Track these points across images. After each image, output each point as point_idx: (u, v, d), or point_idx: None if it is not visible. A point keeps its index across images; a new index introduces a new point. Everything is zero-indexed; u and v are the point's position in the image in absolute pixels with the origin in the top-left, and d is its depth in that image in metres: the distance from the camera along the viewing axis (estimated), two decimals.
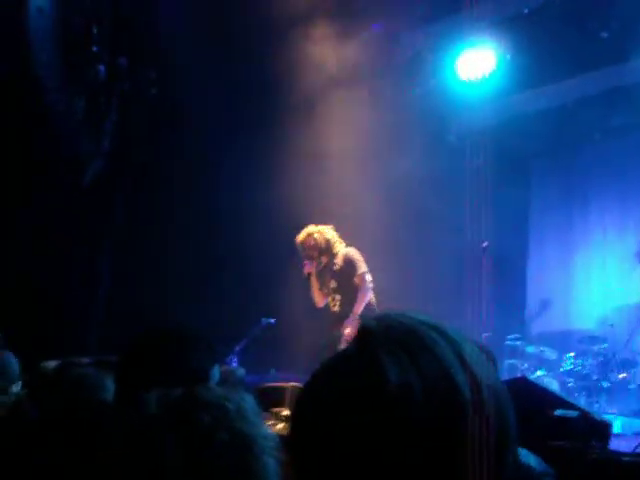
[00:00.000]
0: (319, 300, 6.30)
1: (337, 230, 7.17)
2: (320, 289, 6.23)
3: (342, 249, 6.10)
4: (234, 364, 7.35)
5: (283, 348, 6.70)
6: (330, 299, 6.15)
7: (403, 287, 8.25)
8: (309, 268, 6.17)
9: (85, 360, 2.49)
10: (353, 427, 0.72)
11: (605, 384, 8.06)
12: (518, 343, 8.81)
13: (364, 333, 0.80)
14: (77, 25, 8.49)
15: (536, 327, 10.25)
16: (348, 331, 5.77)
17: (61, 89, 8.22)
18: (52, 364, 3.69)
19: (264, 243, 8.19)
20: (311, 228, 6.16)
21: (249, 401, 1.07)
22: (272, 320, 7.57)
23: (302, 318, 7.41)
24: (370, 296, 5.87)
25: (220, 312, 8.11)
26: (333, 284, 6.06)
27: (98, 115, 8.71)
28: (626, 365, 8.14)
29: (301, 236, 6.15)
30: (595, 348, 8.40)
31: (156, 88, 8.89)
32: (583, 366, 8.34)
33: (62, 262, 8.41)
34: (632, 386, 8.01)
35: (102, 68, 8.63)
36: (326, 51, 8.70)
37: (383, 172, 8.63)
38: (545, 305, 10.53)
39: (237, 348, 7.45)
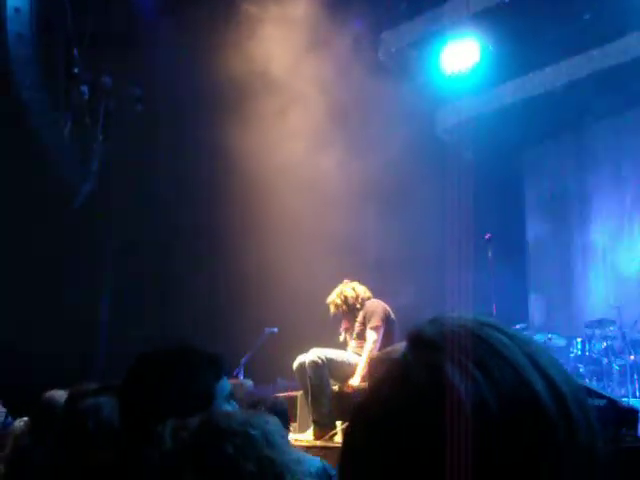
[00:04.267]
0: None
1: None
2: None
3: (367, 302, 6.20)
4: (240, 376, 7.28)
5: (288, 356, 6.63)
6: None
7: (401, 286, 8.22)
8: (344, 325, 6.30)
9: (92, 386, 2.40)
10: (420, 453, 0.62)
11: (616, 367, 8.00)
12: (525, 333, 8.73)
13: (421, 341, 0.68)
14: (57, 48, 8.43)
15: (541, 316, 10.20)
16: (352, 380, 5.79)
17: (46, 112, 8.16)
18: (57, 394, 3.57)
19: (264, 253, 8.13)
20: (340, 287, 6.26)
21: (274, 423, 0.98)
22: (275, 329, 7.51)
23: (305, 325, 7.35)
24: (375, 348, 5.89)
25: (224, 325, 8.05)
26: (355, 337, 6.19)
27: (85, 136, 8.64)
28: (636, 346, 8.07)
29: (332, 297, 6.24)
30: (603, 332, 8.34)
31: (142, 105, 8.82)
32: (592, 351, 8.28)
33: (56, 284, 8.33)
34: None
35: (85, 89, 8.56)
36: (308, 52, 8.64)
37: (371, 170, 8.56)
38: (548, 293, 10.48)
39: (243, 360, 7.39)
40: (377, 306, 6.10)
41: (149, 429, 1.05)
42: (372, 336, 5.90)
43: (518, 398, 0.64)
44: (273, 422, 0.99)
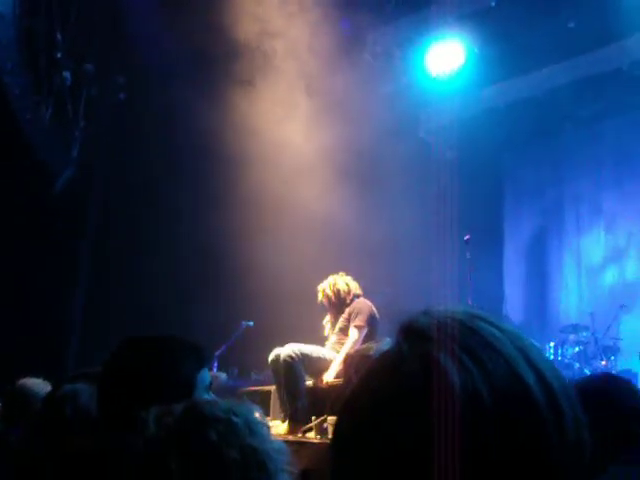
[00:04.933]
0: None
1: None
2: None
3: (356, 300, 6.17)
4: (214, 369, 7.27)
5: (263, 350, 6.63)
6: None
7: (378, 284, 8.25)
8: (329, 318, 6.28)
9: (69, 374, 2.38)
10: (411, 442, 0.62)
11: (587, 372, 8.09)
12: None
13: (413, 332, 0.68)
14: (40, 32, 8.34)
15: (515, 319, 10.28)
16: (326, 375, 5.78)
17: (28, 97, 8.07)
18: (30, 382, 3.55)
19: (239, 245, 8.11)
20: (334, 277, 6.20)
21: (256, 412, 0.99)
22: (251, 323, 7.51)
23: (282, 319, 7.35)
24: (354, 347, 5.87)
25: (199, 316, 8.02)
26: (337, 331, 6.17)
27: (66, 122, 8.58)
28: (607, 352, 8.18)
29: (323, 285, 6.19)
30: (576, 337, 8.43)
31: (124, 93, 8.77)
32: (564, 355, 8.37)
33: (34, 270, 8.27)
34: (614, 372, 8.03)
35: (68, 74, 8.48)
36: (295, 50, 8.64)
37: (354, 170, 8.58)
38: (524, 295, 10.57)
39: (217, 353, 7.38)
40: (364, 306, 6.08)
41: (130, 416, 1.05)
42: (354, 335, 5.89)
43: (510, 391, 0.64)
44: (255, 410, 1.00)
